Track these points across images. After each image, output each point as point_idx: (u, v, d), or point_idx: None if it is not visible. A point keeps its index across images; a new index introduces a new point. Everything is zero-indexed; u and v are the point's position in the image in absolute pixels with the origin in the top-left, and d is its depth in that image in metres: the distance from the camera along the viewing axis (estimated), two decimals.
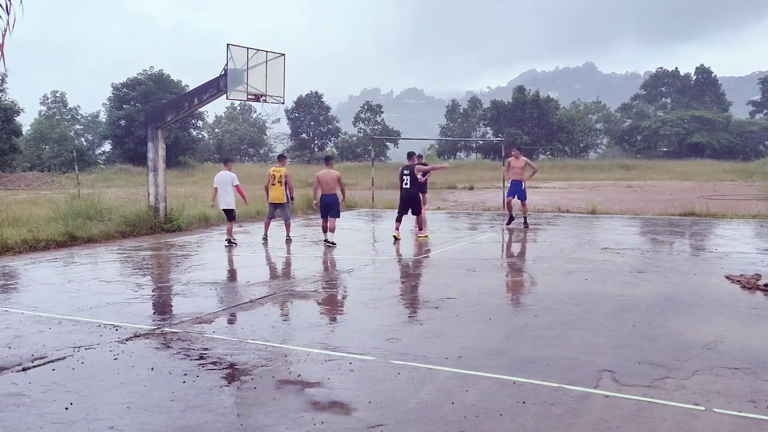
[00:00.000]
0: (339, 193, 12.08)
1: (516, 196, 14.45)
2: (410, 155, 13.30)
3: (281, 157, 13.18)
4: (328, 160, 12.57)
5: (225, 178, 12.03)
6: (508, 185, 14.71)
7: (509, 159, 14.75)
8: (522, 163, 14.46)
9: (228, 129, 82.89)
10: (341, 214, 12.33)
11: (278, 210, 12.63)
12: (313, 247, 11.92)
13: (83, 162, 50.69)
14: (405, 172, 12.73)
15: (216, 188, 12.11)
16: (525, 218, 14.67)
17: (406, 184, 12.65)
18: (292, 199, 12.82)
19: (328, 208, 11.91)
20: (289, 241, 12.38)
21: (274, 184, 12.43)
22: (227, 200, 12.05)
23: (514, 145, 16.48)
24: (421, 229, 13.01)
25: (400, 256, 10.77)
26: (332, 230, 11.98)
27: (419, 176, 12.83)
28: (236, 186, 12.09)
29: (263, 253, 11.23)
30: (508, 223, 14.77)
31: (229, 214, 12.19)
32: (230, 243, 11.96)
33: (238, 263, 10.38)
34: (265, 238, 12.53)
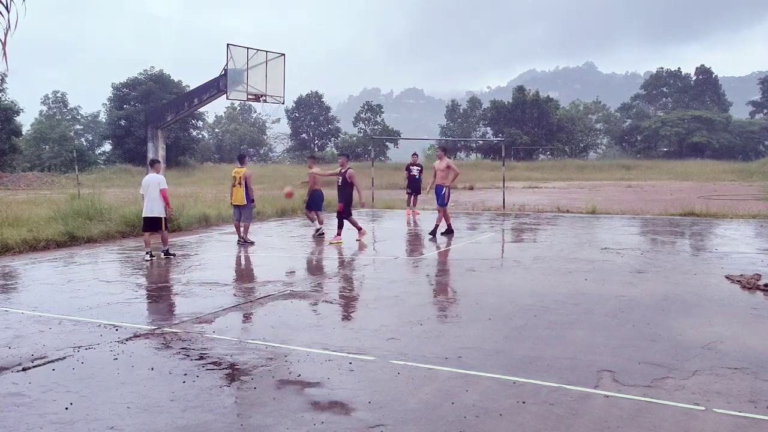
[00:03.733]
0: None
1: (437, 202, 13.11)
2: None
3: (241, 158, 12.88)
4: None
5: (152, 182, 10.43)
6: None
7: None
8: (444, 164, 12.94)
9: (228, 129, 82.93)
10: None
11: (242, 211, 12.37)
12: (313, 246, 11.92)
13: (83, 162, 50.72)
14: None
15: (143, 194, 10.52)
16: (435, 227, 13.04)
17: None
18: (251, 200, 12.42)
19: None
20: (244, 242, 12.18)
21: (235, 186, 12.36)
22: (151, 207, 10.39)
23: (440, 146, 14.49)
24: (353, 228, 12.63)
25: (401, 256, 10.77)
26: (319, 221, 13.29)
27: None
28: (162, 190, 10.35)
29: (262, 254, 11.22)
30: (447, 233, 13.09)
31: (155, 223, 10.47)
32: (167, 254, 10.54)
33: (237, 264, 10.38)
34: (242, 240, 12.34)
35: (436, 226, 13.09)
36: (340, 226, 12.38)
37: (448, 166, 12.95)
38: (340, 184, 12.43)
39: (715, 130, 68.66)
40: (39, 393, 4.34)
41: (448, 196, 13.11)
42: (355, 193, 12.37)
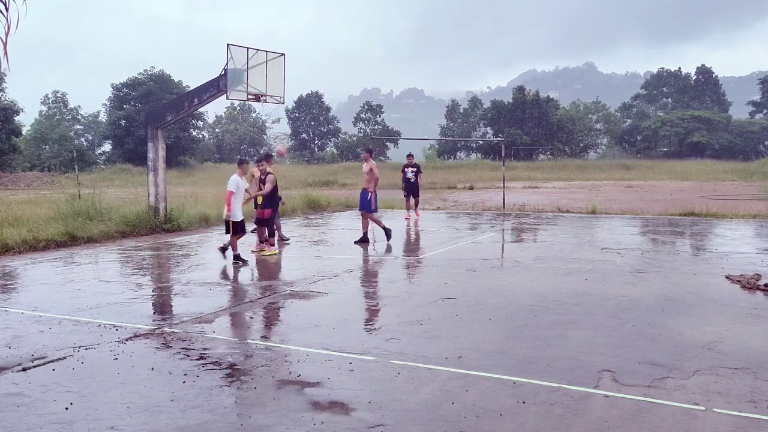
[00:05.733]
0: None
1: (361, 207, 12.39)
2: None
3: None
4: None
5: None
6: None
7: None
8: (367, 168, 12.11)
9: (228, 129, 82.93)
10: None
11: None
12: (313, 247, 11.92)
13: (83, 162, 50.76)
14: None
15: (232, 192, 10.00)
16: (365, 233, 12.20)
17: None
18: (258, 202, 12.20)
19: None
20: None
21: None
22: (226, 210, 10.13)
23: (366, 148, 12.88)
24: (266, 241, 11.14)
25: (401, 256, 10.77)
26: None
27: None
28: (227, 192, 9.98)
29: (262, 254, 11.21)
30: (387, 238, 12.27)
31: (234, 226, 10.08)
32: (235, 259, 10.06)
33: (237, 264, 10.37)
34: (283, 239, 12.45)
35: (365, 232, 12.25)
36: (271, 234, 11.16)
37: (371, 170, 12.08)
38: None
39: (715, 130, 68.66)
40: (39, 393, 4.34)
41: (374, 201, 12.17)
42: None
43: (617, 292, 7.48)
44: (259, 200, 10.97)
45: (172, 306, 7.21)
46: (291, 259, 10.56)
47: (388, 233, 12.32)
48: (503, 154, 23.71)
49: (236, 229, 10.00)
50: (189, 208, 15.81)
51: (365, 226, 12.30)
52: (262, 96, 13.64)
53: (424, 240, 12.91)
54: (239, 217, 10.03)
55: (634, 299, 7.07)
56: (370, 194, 12.04)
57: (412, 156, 17.71)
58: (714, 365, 4.80)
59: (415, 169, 17.22)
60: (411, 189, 17.20)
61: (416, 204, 17.51)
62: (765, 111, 75.61)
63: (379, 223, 12.35)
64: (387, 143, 73.77)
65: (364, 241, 12.11)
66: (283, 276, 8.96)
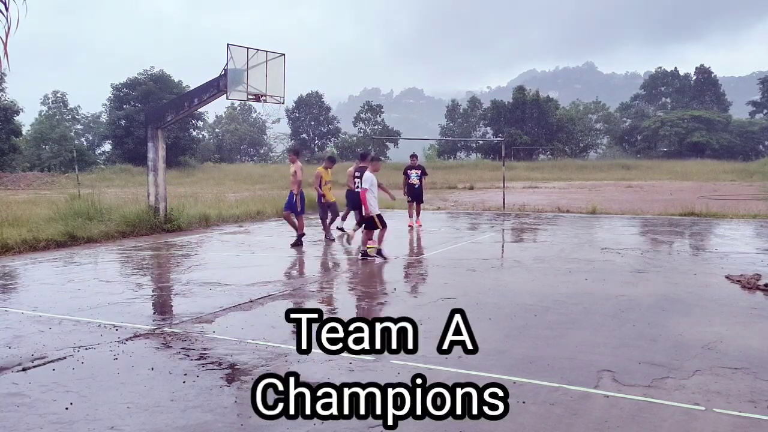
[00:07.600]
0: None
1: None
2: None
3: (331, 160, 13.82)
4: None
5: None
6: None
7: None
8: (292, 170, 12.06)
9: (228, 129, 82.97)
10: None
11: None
12: (314, 247, 11.92)
13: (83, 162, 50.77)
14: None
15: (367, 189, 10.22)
16: (298, 237, 11.85)
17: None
18: (318, 197, 13.06)
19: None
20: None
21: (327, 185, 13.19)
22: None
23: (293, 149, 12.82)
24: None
25: (401, 256, 10.76)
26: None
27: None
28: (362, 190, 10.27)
29: (262, 254, 11.22)
30: (295, 243, 11.79)
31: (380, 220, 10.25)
32: (374, 254, 10.18)
33: (237, 263, 10.37)
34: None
35: (299, 235, 11.86)
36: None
37: (295, 172, 11.85)
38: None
39: (715, 130, 68.72)
40: (39, 393, 4.34)
41: (300, 202, 11.83)
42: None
43: (617, 291, 7.48)
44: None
45: (172, 306, 7.21)
46: (291, 259, 10.56)
47: (299, 239, 11.80)
48: (503, 154, 23.73)
49: (382, 223, 10.29)
50: (189, 208, 15.81)
51: (297, 228, 11.90)
52: (262, 96, 13.64)
53: (424, 240, 12.91)
54: (377, 211, 10.32)
55: (634, 299, 7.07)
56: (295, 196, 11.76)
57: (416, 156, 15.77)
58: (714, 365, 4.80)
59: (419, 172, 15.39)
60: (415, 194, 15.33)
61: (418, 211, 15.66)
62: (765, 111, 75.64)
63: (294, 225, 11.91)
64: (387, 143, 73.76)
65: (297, 244, 11.76)
66: (283, 276, 8.95)
